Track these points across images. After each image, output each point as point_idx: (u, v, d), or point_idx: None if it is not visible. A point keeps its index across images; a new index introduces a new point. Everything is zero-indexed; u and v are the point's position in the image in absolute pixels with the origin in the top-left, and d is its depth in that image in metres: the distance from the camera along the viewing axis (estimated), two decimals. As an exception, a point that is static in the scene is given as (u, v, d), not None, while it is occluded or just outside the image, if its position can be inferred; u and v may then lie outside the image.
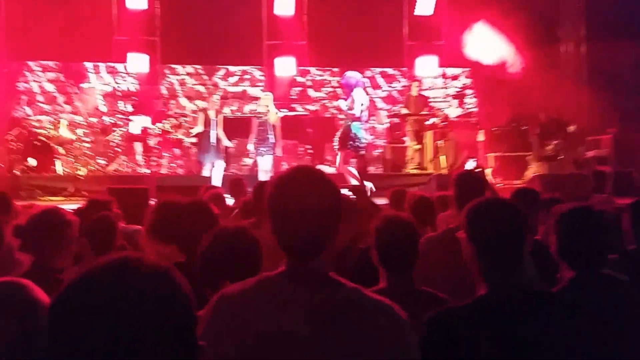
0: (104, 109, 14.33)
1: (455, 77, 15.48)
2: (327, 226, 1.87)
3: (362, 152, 11.03)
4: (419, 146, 12.89)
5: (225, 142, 11.75)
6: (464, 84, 15.47)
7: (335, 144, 11.14)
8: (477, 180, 4.67)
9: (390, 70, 15.32)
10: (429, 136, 12.83)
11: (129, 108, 14.00)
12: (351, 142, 10.50)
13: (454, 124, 13.12)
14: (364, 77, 10.93)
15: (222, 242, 2.75)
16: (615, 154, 13.09)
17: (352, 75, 10.68)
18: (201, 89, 14.94)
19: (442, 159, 12.58)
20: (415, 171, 12.76)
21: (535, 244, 3.98)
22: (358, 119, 10.43)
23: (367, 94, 10.98)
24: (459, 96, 13.95)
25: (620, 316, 2.77)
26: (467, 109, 14.07)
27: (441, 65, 14.79)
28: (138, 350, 1.20)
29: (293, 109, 12.78)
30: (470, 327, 2.30)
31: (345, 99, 10.63)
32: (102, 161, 13.47)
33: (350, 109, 10.41)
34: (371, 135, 14.96)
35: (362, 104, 10.43)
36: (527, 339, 2.27)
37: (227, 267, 2.30)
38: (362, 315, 1.83)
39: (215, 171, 11.57)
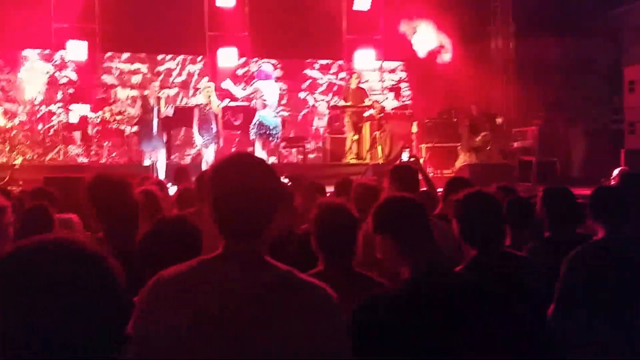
0: (41, 96, 14.10)
1: (391, 71, 15.93)
2: (263, 209, 1.91)
3: (274, 140, 11.57)
4: (357, 137, 13.27)
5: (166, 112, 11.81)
6: (400, 78, 15.95)
7: (252, 134, 11.60)
8: (410, 173, 5.02)
9: (329, 63, 15.65)
10: (366, 127, 13.22)
11: (67, 96, 13.80)
12: (264, 131, 11.12)
13: (390, 115, 13.52)
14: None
15: (163, 231, 2.77)
16: (540, 145, 13.78)
17: (264, 69, 11.42)
18: (141, 77, 14.87)
19: (379, 149, 12.99)
20: (353, 161, 13.13)
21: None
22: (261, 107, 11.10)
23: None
24: (395, 89, 14.38)
25: (517, 289, 3.00)
26: (403, 101, 14.52)
27: (378, 58, 15.19)
28: (61, 330, 1.22)
29: (235, 100, 12.93)
30: (395, 312, 2.44)
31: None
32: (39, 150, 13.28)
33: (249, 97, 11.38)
34: (311, 125, 15.37)
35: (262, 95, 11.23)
36: (448, 323, 2.42)
37: (167, 257, 2.23)
38: (294, 297, 1.88)
39: (157, 161, 11.63)
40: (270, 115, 11.49)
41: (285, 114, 14.86)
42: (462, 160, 13.24)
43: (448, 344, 2.43)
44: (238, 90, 12.06)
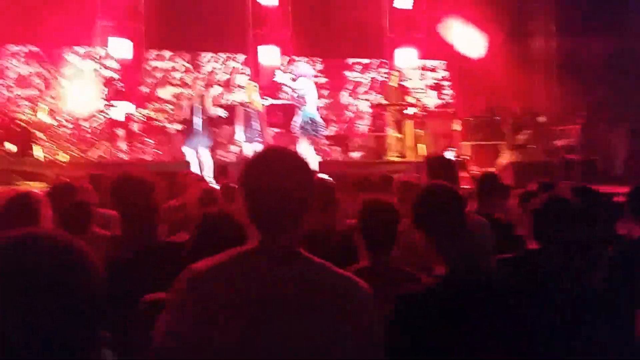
0: (86, 94, 14.27)
1: (433, 69, 15.86)
2: (297, 202, 1.91)
3: (319, 136, 11.57)
4: (399, 135, 13.25)
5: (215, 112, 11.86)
6: (442, 76, 15.87)
7: (298, 131, 11.61)
8: (449, 166, 4.96)
9: (370, 62, 15.64)
10: (408, 125, 13.20)
11: (112, 94, 13.93)
12: (313, 128, 11.13)
13: (432, 114, 13.49)
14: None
15: (209, 228, 2.81)
16: (582, 144, 13.63)
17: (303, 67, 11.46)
18: (185, 75, 14.98)
19: (421, 147, 12.96)
20: (396, 159, 13.11)
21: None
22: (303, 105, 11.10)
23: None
24: (437, 87, 14.32)
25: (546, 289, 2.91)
26: (445, 99, 14.45)
27: (420, 57, 15.15)
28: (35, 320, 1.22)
29: (278, 98, 13.01)
30: (429, 309, 2.46)
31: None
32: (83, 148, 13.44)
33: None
34: (354, 123, 15.37)
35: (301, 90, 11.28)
36: (480, 321, 2.43)
37: (212, 252, 2.23)
38: (328, 290, 1.89)
39: (202, 158, 11.66)
40: (316, 112, 11.53)
41: (327, 112, 14.88)
42: (505, 158, 13.15)
43: (480, 342, 2.43)
44: (293, 83, 12.01)
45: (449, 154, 12.62)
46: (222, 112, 12.02)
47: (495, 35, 13.97)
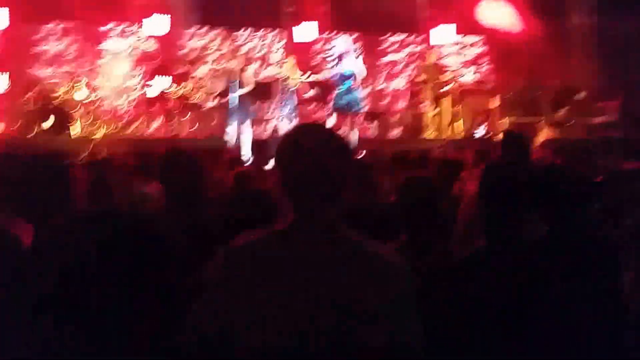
0: (122, 70, 14.31)
1: (471, 45, 15.62)
2: (334, 178, 1.90)
3: (356, 113, 11.45)
4: (436, 111, 13.13)
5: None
6: (480, 52, 15.63)
7: (333, 107, 11.51)
8: (523, 142, 4.87)
9: (408, 37, 15.45)
10: (446, 102, 13.08)
11: (148, 71, 13.94)
12: (345, 104, 11.04)
13: (470, 90, 13.35)
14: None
15: (243, 206, 2.83)
16: (623, 121, 13.41)
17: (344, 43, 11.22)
18: (221, 51, 14.93)
19: (459, 123, 12.84)
20: (433, 136, 13.01)
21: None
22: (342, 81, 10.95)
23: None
24: (475, 63, 14.12)
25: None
26: (482, 76, 14.24)
27: (458, 32, 14.93)
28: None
29: (315, 73, 12.90)
30: (466, 277, 2.54)
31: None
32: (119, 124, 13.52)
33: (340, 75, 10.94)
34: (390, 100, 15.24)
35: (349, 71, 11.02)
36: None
37: (246, 228, 2.25)
38: (366, 264, 1.89)
39: (242, 134, 11.64)
40: (355, 89, 11.40)
41: (365, 89, 14.77)
42: (544, 135, 12.97)
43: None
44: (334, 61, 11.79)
45: (480, 131, 12.54)
46: (250, 86, 11.91)
47: (533, 10, 13.71)
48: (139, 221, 1.29)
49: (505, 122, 13.27)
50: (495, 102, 13.39)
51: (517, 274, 2.51)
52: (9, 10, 13.19)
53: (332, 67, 11.66)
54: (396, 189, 3.26)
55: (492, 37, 15.05)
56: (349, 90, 11.33)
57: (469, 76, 14.12)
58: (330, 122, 11.37)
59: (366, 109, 13.62)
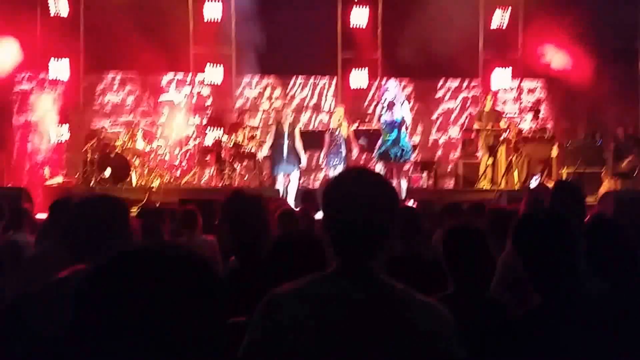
0: (178, 120, 14.57)
1: (530, 91, 15.19)
2: (378, 226, 1.88)
3: (404, 162, 11.20)
4: (492, 161, 12.76)
5: (302, 158, 11.75)
6: (538, 98, 15.18)
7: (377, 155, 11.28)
8: (575, 192, 4.55)
9: (463, 83, 15.17)
10: (502, 151, 12.70)
11: (203, 120, 14.15)
12: (392, 153, 10.82)
13: (528, 138, 12.90)
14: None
15: (288, 245, 2.78)
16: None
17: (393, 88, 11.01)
18: (274, 101, 15.04)
19: (515, 174, 12.44)
20: (488, 186, 12.63)
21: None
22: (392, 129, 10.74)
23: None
24: (533, 110, 13.70)
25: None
26: (541, 123, 13.79)
27: (515, 77, 14.56)
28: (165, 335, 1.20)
29: (365, 122, 12.83)
30: (514, 340, 2.41)
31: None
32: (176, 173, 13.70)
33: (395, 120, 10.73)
34: (443, 149, 14.95)
35: (398, 118, 10.80)
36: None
37: (292, 271, 2.24)
38: (409, 315, 1.84)
39: (290, 184, 11.62)
40: (404, 137, 11.19)
41: (416, 137, 14.55)
42: (607, 186, 12.41)
43: None
44: (385, 109, 11.61)
45: (534, 182, 12.06)
46: (308, 138, 11.92)
47: (596, 55, 13.25)
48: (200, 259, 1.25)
49: (564, 173, 12.78)
50: (554, 151, 12.90)
51: (586, 335, 2.37)
52: (70, 61, 13.70)
53: (381, 114, 11.48)
54: (444, 238, 3.21)
55: (551, 82, 14.62)
56: (398, 138, 11.13)
57: (526, 123, 13.67)
58: (378, 171, 11.11)
59: (417, 157, 13.43)
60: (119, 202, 2.88)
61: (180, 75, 14.86)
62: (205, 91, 14.81)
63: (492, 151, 12.80)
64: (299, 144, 11.66)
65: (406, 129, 11.40)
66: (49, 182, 13.04)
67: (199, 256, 1.30)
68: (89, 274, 1.24)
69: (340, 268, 1.89)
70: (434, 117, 15.08)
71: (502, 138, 12.77)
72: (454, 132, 15.06)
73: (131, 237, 3.00)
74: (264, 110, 14.99)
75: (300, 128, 12.26)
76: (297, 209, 7.96)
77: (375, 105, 13.86)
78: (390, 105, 11.27)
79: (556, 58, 13.80)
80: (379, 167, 11.32)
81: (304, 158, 11.77)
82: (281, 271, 2.54)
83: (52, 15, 13.75)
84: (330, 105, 14.46)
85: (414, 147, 12.70)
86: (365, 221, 1.85)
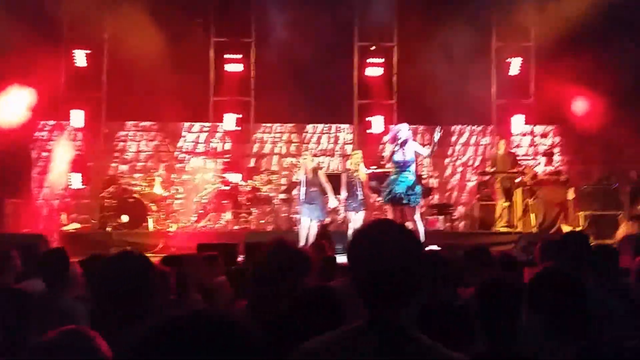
0: (196, 166, 14.72)
1: (543, 135, 15.31)
2: (404, 278, 1.85)
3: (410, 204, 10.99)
4: (508, 204, 12.80)
5: (331, 199, 11.72)
6: (552, 142, 15.28)
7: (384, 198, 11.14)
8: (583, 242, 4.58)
9: (477, 128, 15.32)
10: (518, 194, 12.75)
11: (221, 166, 14.29)
12: (402, 196, 10.67)
13: (544, 181, 12.95)
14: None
15: (306, 300, 2.73)
16: None
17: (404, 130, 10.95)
18: (292, 145, 15.19)
19: (532, 217, 12.45)
20: (504, 229, 12.64)
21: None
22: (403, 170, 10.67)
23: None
24: (548, 154, 13.78)
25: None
26: (557, 166, 13.86)
27: (528, 122, 14.71)
28: None
29: (382, 166, 12.84)
30: None
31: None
32: (193, 218, 13.76)
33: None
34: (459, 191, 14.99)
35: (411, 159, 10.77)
36: None
37: (309, 326, 2.25)
38: None
39: (311, 227, 11.53)
40: (414, 179, 10.98)
41: (433, 180, 14.63)
42: (624, 230, 12.38)
43: None
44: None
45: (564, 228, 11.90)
46: (333, 202, 11.80)
47: (610, 98, 13.37)
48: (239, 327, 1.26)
49: (581, 216, 12.78)
50: (570, 194, 12.93)
51: None
52: (90, 109, 13.95)
53: (394, 151, 11.12)
54: (477, 292, 3.01)
55: (564, 126, 14.74)
56: (409, 179, 10.87)
57: (541, 167, 13.74)
58: (389, 215, 11.02)
59: (433, 200, 13.46)
60: (145, 260, 2.87)
61: (198, 123, 15.04)
62: (224, 138, 14.97)
63: (508, 194, 12.85)
64: (326, 185, 11.60)
65: (415, 170, 11.04)
66: (65, 228, 13.14)
67: (244, 325, 1.29)
68: (142, 338, 1.23)
69: (369, 322, 1.87)
70: (448, 161, 15.17)
71: (517, 181, 12.83)
72: (469, 175, 15.12)
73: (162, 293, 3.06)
74: (281, 156, 15.11)
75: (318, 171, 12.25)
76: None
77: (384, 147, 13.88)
78: (403, 144, 10.97)
79: (570, 103, 13.95)
80: (394, 211, 11.07)
81: (332, 199, 11.70)
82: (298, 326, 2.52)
83: (76, 65, 14.09)
84: (348, 150, 14.57)
85: (431, 189, 12.70)
86: (393, 270, 1.84)
